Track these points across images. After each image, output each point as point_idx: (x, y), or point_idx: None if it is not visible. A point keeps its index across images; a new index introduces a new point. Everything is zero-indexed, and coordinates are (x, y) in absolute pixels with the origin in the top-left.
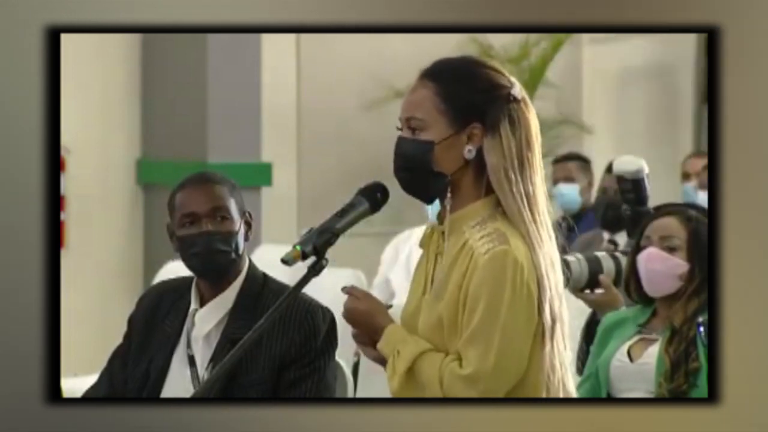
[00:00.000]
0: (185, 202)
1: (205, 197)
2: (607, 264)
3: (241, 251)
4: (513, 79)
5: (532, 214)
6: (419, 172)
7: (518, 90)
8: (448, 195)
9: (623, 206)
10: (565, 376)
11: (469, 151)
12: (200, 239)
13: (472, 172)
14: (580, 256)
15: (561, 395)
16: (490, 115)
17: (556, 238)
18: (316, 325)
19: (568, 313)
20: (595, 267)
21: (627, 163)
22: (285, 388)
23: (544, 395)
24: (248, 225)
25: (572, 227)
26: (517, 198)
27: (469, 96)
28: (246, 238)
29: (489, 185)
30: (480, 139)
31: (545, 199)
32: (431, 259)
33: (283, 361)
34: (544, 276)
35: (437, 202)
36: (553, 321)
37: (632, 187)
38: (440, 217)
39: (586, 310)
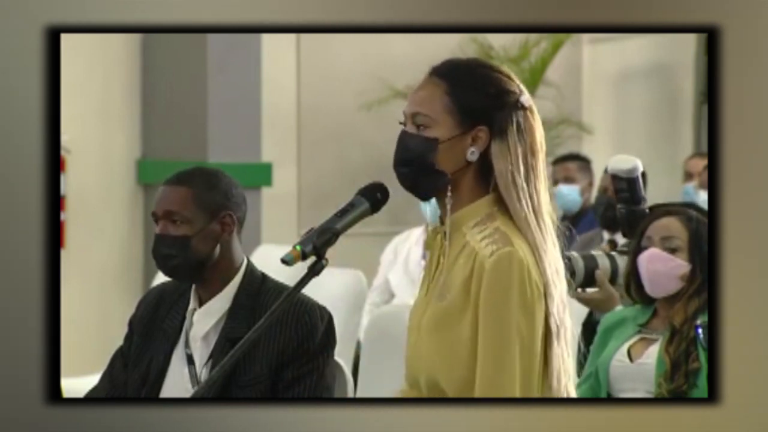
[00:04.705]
0: (155, 201)
1: (164, 199)
2: (603, 262)
3: (202, 256)
4: (522, 86)
5: (537, 221)
6: (420, 169)
7: (527, 98)
8: (449, 194)
9: (618, 205)
10: (569, 385)
11: (472, 153)
12: (156, 240)
13: (473, 173)
14: (575, 254)
15: None
16: (498, 120)
17: (560, 244)
18: (313, 324)
19: (571, 322)
20: (590, 264)
21: (621, 162)
22: (283, 387)
23: None
24: (228, 225)
25: (570, 229)
26: (524, 204)
27: (479, 99)
28: (221, 240)
29: (489, 187)
30: (484, 143)
31: (549, 207)
32: (434, 260)
33: (281, 360)
34: (550, 282)
35: (434, 202)
36: (558, 327)
37: (627, 186)
38: (441, 217)
39: (583, 314)
